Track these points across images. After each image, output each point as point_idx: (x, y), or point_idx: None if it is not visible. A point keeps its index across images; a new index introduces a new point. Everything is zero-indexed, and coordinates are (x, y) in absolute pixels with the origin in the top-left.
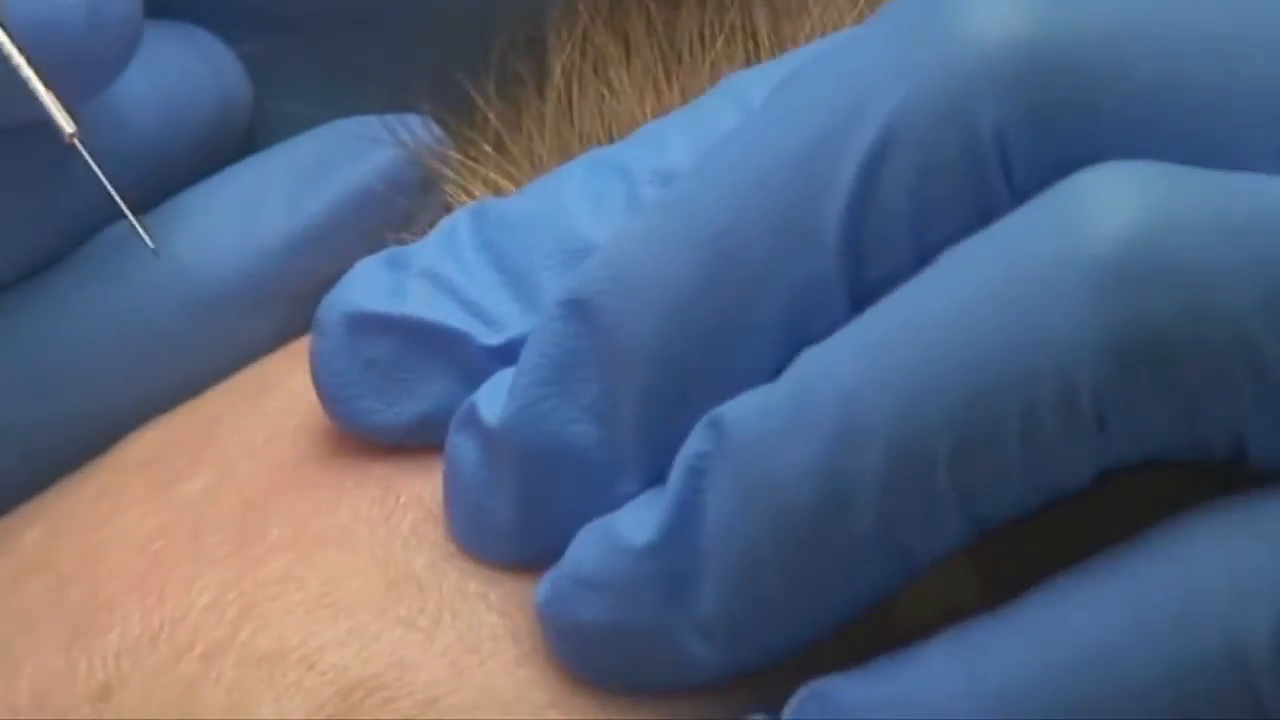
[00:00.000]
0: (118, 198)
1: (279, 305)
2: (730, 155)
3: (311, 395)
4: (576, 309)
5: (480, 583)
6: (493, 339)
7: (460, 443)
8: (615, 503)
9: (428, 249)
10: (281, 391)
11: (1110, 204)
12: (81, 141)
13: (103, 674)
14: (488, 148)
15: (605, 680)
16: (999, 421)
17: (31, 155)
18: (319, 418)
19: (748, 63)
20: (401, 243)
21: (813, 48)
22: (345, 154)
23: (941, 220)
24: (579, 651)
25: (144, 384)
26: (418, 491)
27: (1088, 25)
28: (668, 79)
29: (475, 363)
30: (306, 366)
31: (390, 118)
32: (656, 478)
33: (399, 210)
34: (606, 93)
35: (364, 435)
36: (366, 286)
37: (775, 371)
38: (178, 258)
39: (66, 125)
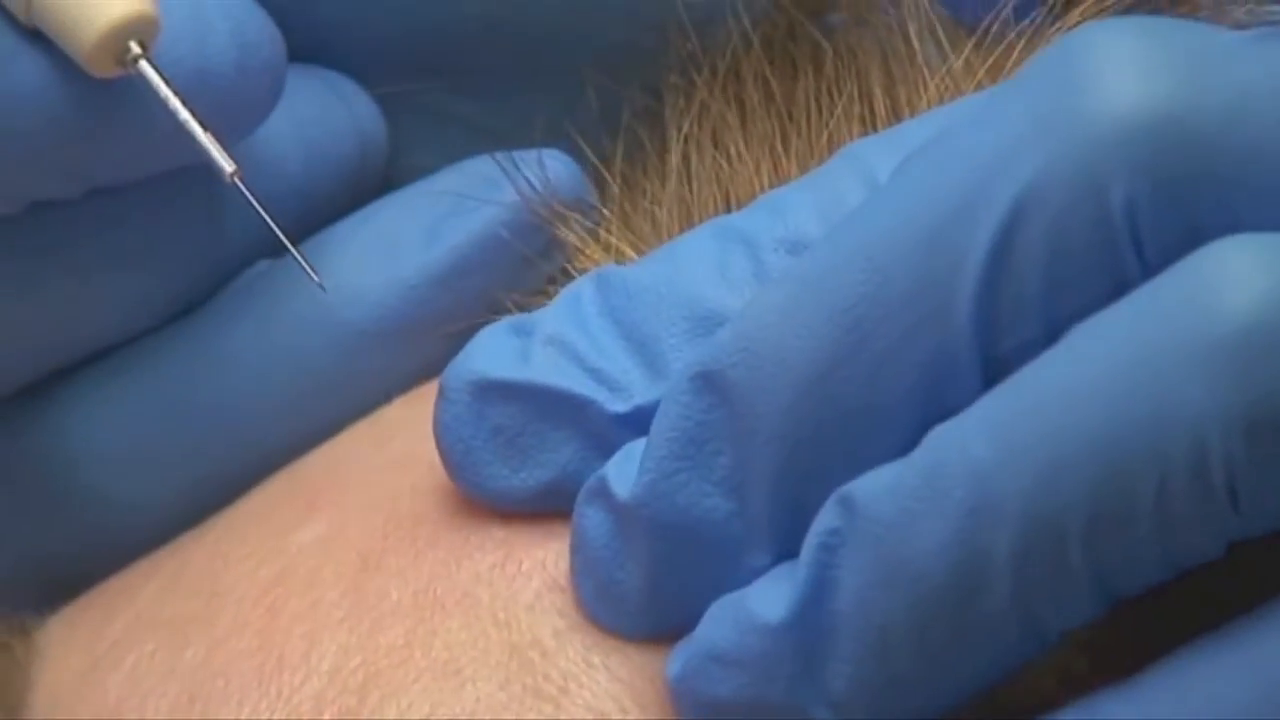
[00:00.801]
0: (281, 234)
1: (420, 341)
2: (862, 228)
3: (428, 451)
4: (708, 381)
5: (604, 654)
6: (619, 406)
7: (590, 515)
8: (745, 576)
9: (552, 315)
10: (398, 444)
11: (1239, 277)
12: (242, 180)
13: None
14: (607, 213)
15: None
16: (1132, 497)
17: (185, 198)
18: (436, 475)
19: (864, 130)
20: (524, 304)
21: (934, 116)
22: (482, 191)
23: (1073, 294)
24: None
25: (290, 420)
26: (540, 557)
27: (1215, 97)
28: (785, 147)
29: (601, 430)
30: (424, 416)
31: (529, 153)
32: (787, 551)
33: (536, 247)
34: (724, 161)
35: (488, 502)
36: (491, 353)
37: (906, 445)
38: (319, 296)
39: (227, 165)
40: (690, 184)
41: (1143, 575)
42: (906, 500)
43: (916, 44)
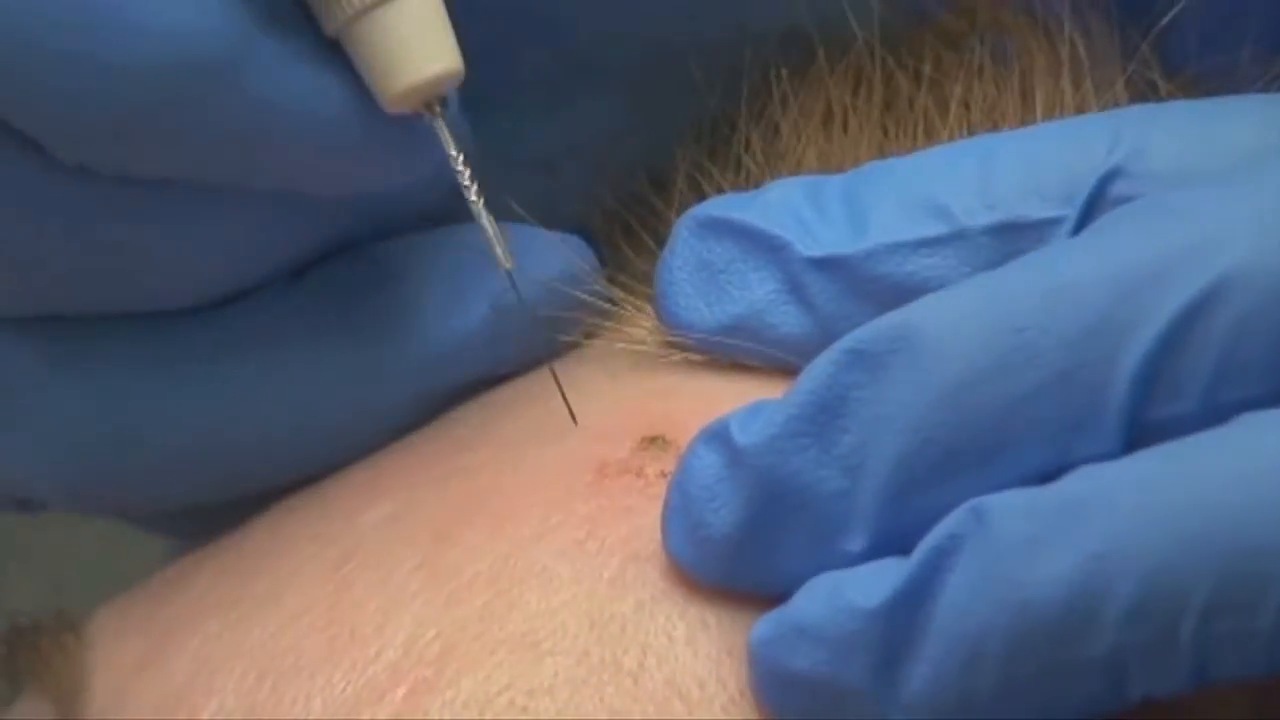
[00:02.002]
0: (514, 284)
1: (435, 403)
2: (1056, 261)
3: (499, 429)
4: (860, 358)
5: (688, 627)
6: (813, 250)
7: (702, 454)
8: (837, 556)
9: (794, 181)
10: (462, 429)
11: None
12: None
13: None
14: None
15: None
16: (1259, 589)
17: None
18: (510, 450)
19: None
20: None
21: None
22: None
23: (1242, 385)
24: (782, 699)
25: (292, 466)
26: (623, 534)
27: None
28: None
29: (795, 272)
30: (481, 404)
31: (550, 234)
32: (884, 544)
33: (552, 319)
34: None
35: (680, 331)
36: (726, 200)
37: (1023, 475)
38: (399, 344)
39: (505, 261)
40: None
41: (1244, 666)
42: (1039, 526)
43: (1066, 78)
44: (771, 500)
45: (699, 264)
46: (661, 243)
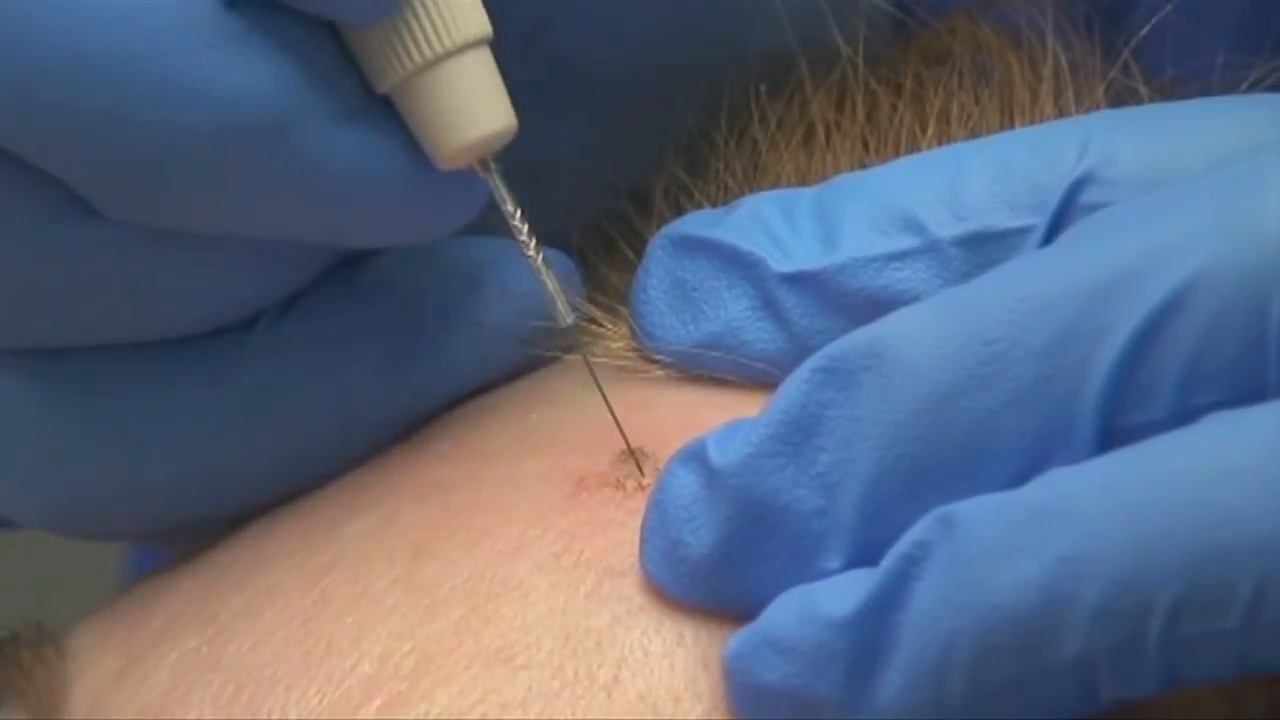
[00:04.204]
0: (562, 308)
1: (422, 415)
2: (1023, 273)
3: (480, 442)
4: (832, 375)
5: (664, 641)
6: (785, 266)
7: (680, 474)
8: (815, 572)
9: (765, 196)
10: (445, 443)
11: None
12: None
13: None
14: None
15: None
16: (1225, 590)
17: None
18: (491, 466)
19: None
20: None
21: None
22: (490, 293)
23: (1210, 390)
24: (758, 712)
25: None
26: (600, 548)
27: None
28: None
29: (768, 289)
30: (462, 417)
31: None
32: (862, 560)
33: (533, 341)
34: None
35: (654, 349)
36: (697, 217)
37: (1005, 485)
38: (389, 367)
39: (566, 316)
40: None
41: (1213, 668)
42: (1007, 531)
43: (1047, 95)
44: (749, 520)
45: (673, 282)
46: (640, 257)
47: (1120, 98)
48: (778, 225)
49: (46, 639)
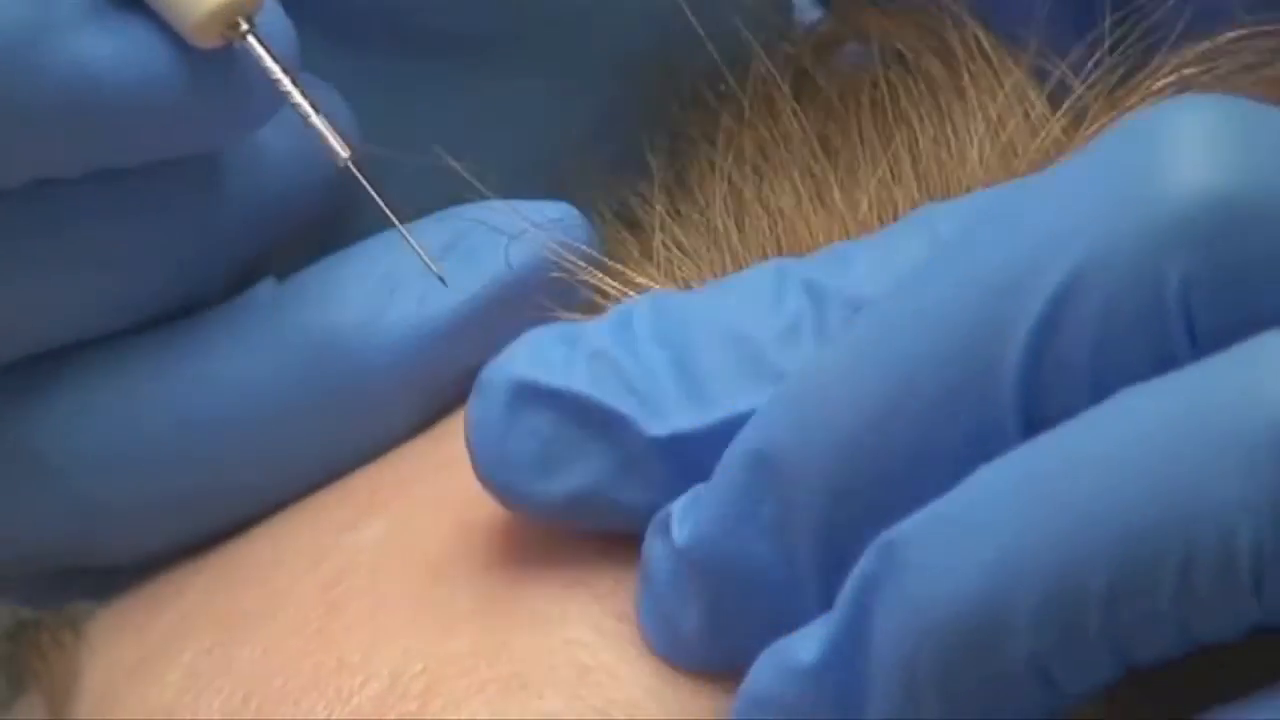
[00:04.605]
0: (396, 221)
1: (423, 392)
2: (915, 290)
3: None
4: (758, 457)
5: (674, 688)
6: (657, 429)
7: (656, 549)
8: (798, 620)
9: (601, 330)
10: (459, 444)
11: None
12: (356, 165)
13: None
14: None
15: None
16: (1154, 569)
17: (182, 195)
18: None
19: (915, 169)
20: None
21: (1009, 189)
22: (497, 239)
23: (1121, 371)
24: None
25: (281, 456)
26: (613, 583)
27: None
28: (827, 187)
29: (635, 451)
30: None
31: (536, 205)
32: (833, 598)
33: (545, 301)
34: (770, 195)
35: (512, 507)
36: (535, 357)
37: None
38: (335, 330)
39: (341, 150)
40: (736, 224)
41: (1160, 647)
42: (938, 544)
43: (967, 79)
44: (722, 589)
45: (525, 433)
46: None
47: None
48: (633, 372)
49: (68, 623)
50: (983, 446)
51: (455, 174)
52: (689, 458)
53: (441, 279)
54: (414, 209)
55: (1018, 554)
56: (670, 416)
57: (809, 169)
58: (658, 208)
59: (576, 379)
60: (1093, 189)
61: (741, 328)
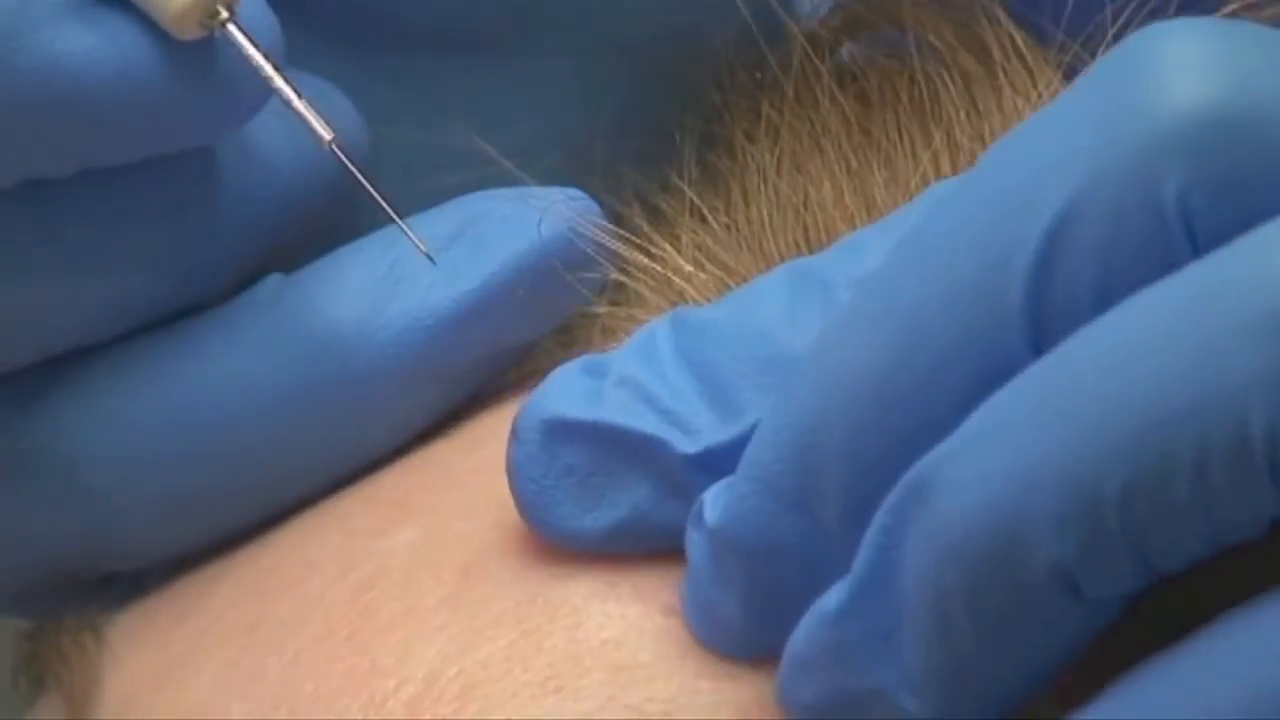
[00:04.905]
0: (384, 203)
1: (435, 381)
2: (916, 241)
3: None
4: (780, 430)
5: (713, 680)
6: (690, 447)
7: (694, 538)
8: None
9: (626, 356)
10: (491, 449)
11: None
12: (340, 147)
13: None
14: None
15: None
16: (1169, 460)
17: (181, 194)
18: None
19: (952, 159)
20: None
21: None
22: (505, 227)
23: (1126, 286)
24: None
25: (291, 454)
26: (656, 582)
27: (1275, 89)
28: (865, 178)
29: (672, 470)
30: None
31: (546, 190)
32: None
33: (553, 292)
34: (808, 187)
35: (559, 543)
36: (564, 393)
37: None
38: (338, 327)
39: (325, 132)
40: (767, 211)
41: (1183, 548)
42: (956, 468)
43: (1001, 73)
44: (757, 567)
45: (563, 470)
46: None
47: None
48: (660, 393)
49: (88, 626)
50: (998, 380)
51: (478, 164)
52: (725, 470)
53: (430, 257)
54: (439, 197)
55: (1035, 462)
56: (702, 433)
57: (847, 160)
58: (687, 194)
59: (606, 409)
60: (1084, 116)
61: (759, 331)
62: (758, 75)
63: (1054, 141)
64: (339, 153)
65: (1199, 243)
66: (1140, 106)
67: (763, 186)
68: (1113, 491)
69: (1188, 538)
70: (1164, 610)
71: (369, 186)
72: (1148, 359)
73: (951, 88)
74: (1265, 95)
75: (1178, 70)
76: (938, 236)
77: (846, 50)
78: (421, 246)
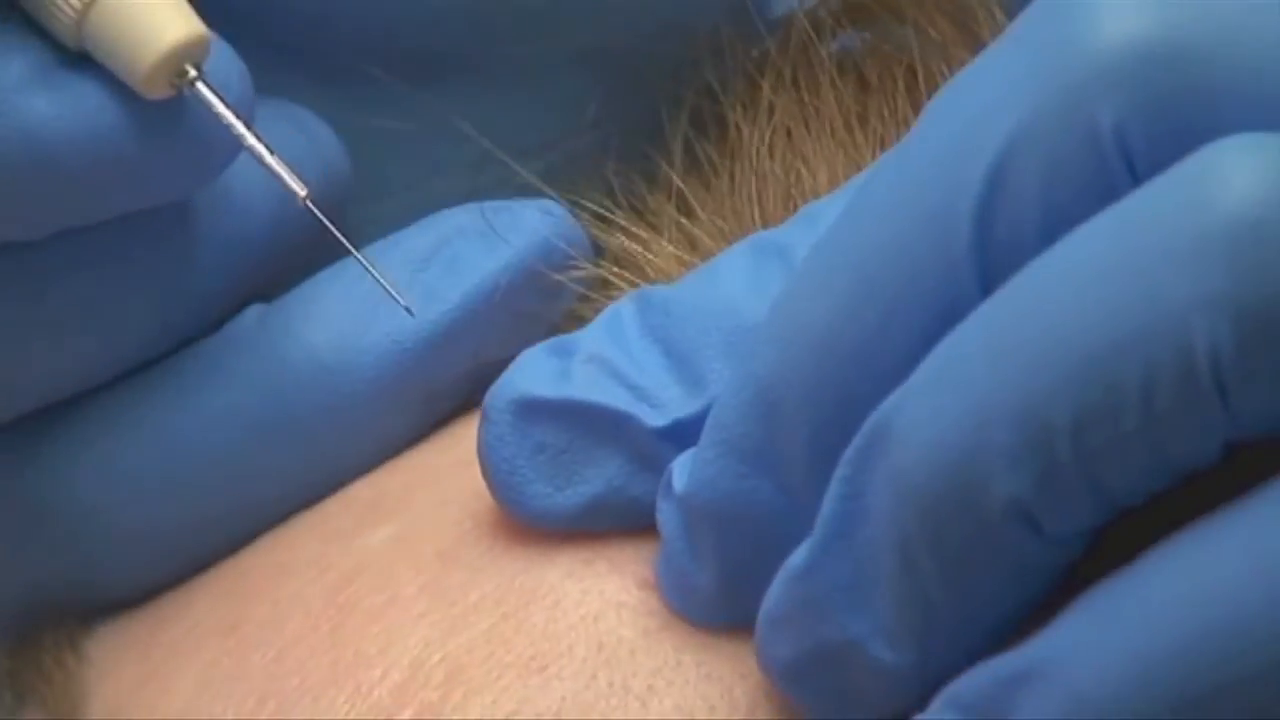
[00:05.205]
0: (359, 256)
1: (418, 401)
2: (865, 195)
3: None
4: (740, 391)
5: (694, 652)
6: (658, 420)
7: (664, 509)
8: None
9: (592, 334)
10: (464, 447)
11: (1235, 171)
12: (313, 203)
13: None
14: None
15: (831, 713)
16: (1117, 388)
17: (156, 239)
18: None
19: None
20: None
21: None
22: (481, 243)
23: (1070, 219)
24: (797, 690)
25: (277, 481)
26: (631, 554)
27: (1205, 17)
28: (860, 165)
29: (643, 445)
30: None
31: (521, 203)
32: None
33: (532, 305)
34: (802, 171)
35: (532, 522)
36: (532, 373)
37: None
38: (318, 356)
39: (299, 189)
40: (758, 195)
41: (1137, 478)
42: (910, 411)
43: None
44: (727, 531)
45: (534, 447)
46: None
47: None
48: (627, 369)
49: (66, 643)
50: (951, 326)
51: (464, 171)
52: (694, 442)
53: (409, 310)
54: (426, 203)
55: (986, 400)
56: (670, 406)
57: (843, 144)
58: (675, 185)
59: (574, 386)
60: (1018, 58)
61: (725, 307)
62: (755, 54)
63: (990, 85)
64: (312, 209)
65: (1138, 173)
66: (1072, 43)
67: (754, 170)
68: (1063, 423)
69: (1141, 467)
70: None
71: (344, 241)
72: (1090, 290)
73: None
74: (1193, 24)
75: (1106, 5)
76: (883, 190)
77: (846, 37)
78: (401, 301)
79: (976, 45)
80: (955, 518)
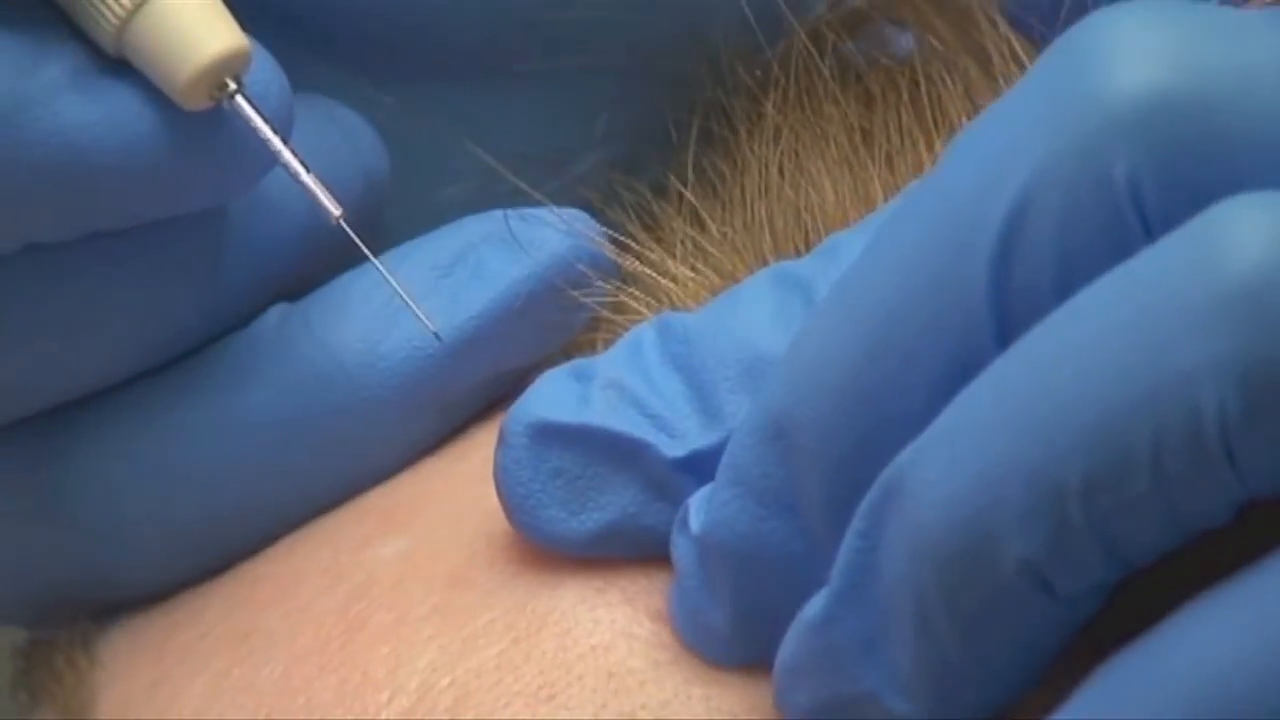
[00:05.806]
0: (387, 275)
1: (437, 408)
2: (885, 235)
3: None
4: (759, 432)
5: (704, 685)
6: (676, 450)
7: (679, 544)
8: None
9: (612, 360)
10: (478, 459)
11: (1245, 232)
12: (346, 222)
13: None
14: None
15: None
16: (1127, 450)
17: (184, 240)
18: None
19: None
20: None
21: None
22: (505, 251)
23: (1085, 269)
24: None
25: (295, 482)
26: (644, 585)
27: (1218, 71)
28: (866, 180)
29: (659, 474)
30: None
31: (545, 211)
32: None
33: (554, 315)
34: (807, 189)
35: (547, 546)
36: (551, 397)
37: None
38: (338, 358)
39: (333, 208)
40: (767, 213)
41: (1149, 539)
42: (925, 468)
43: (1001, 79)
44: (743, 572)
45: (550, 472)
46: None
47: None
48: (646, 397)
49: (78, 643)
50: (968, 372)
51: (480, 177)
52: (711, 473)
53: (437, 335)
54: (444, 210)
55: (998, 460)
56: (687, 436)
57: (849, 162)
58: (686, 199)
59: (593, 413)
60: (1033, 105)
61: (745, 340)
62: (758, 73)
63: (1008, 130)
64: (345, 228)
65: (1151, 225)
66: (1087, 92)
67: (763, 188)
68: (1074, 485)
69: (1152, 527)
70: (1155, 604)
71: (377, 264)
72: (1100, 351)
73: (954, 90)
74: (1208, 74)
75: (1122, 54)
76: (904, 230)
77: (849, 48)
78: (431, 326)
79: (980, 53)
80: (969, 576)
